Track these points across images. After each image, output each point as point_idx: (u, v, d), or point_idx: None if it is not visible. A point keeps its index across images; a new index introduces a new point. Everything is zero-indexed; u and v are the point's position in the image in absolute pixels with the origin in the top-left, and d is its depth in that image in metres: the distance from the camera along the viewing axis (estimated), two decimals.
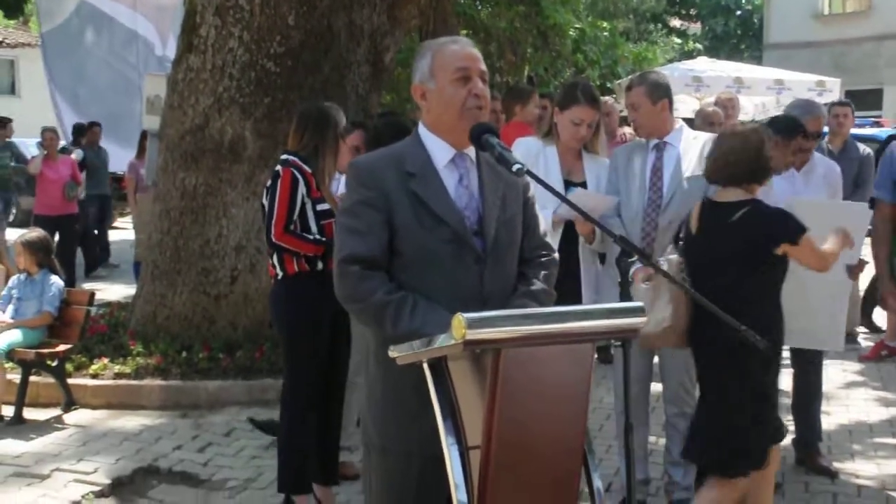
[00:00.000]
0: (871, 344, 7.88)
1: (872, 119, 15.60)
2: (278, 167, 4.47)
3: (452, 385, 2.38)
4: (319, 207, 4.47)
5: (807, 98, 5.63)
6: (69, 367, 6.40)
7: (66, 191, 10.00)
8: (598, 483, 2.49)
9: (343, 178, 4.58)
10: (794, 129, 4.64)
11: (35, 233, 6.55)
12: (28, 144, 18.23)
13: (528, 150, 4.41)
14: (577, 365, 2.38)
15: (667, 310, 3.68)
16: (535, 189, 2.87)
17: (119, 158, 12.90)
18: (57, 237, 9.83)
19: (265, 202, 4.46)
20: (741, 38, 31.93)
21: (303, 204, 4.42)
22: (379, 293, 2.56)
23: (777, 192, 4.55)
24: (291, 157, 4.49)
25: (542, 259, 2.84)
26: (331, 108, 4.68)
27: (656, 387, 4.66)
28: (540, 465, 2.36)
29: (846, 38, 23.22)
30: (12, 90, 29.93)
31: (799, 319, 4.09)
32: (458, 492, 2.28)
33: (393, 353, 2.46)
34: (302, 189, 4.41)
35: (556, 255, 2.90)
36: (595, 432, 5.13)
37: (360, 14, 7.27)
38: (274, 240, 4.37)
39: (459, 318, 2.18)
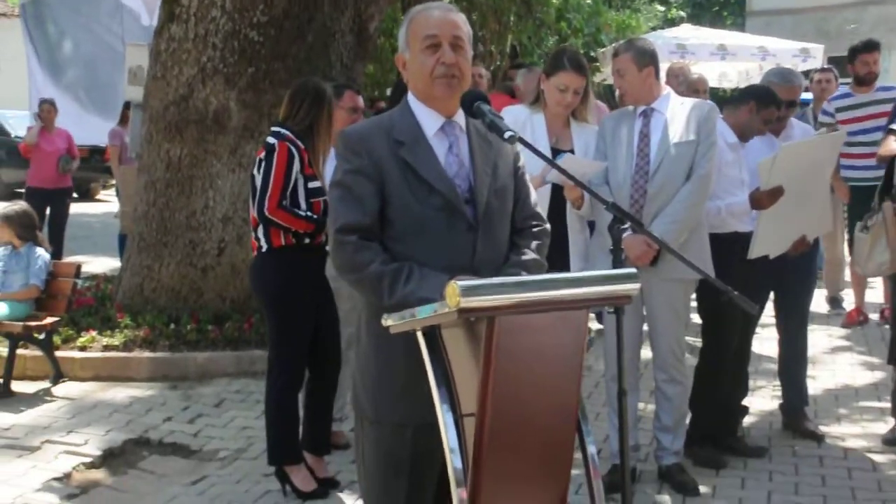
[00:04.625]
0: None
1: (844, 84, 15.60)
2: (272, 140, 4.42)
3: (446, 353, 2.38)
4: (310, 185, 4.45)
5: (786, 67, 5.64)
6: (57, 339, 6.38)
7: (60, 164, 9.91)
8: (591, 449, 2.50)
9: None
10: (768, 99, 4.67)
11: (16, 206, 6.49)
12: (8, 117, 18.08)
13: (516, 119, 4.41)
14: (571, 332, 2.39)
15: (885, 255, 4.42)
16: (524, 157, 2.87)
17: (102, 130, 12.79)
18: (48, 210, 9.77)
19: (256, 174, 4.43)
20: (723, 6, 31.79)
21: (295, 180, 4.39)
22: (375, 263, 2.55)
23: (756, 154, 4.61)
24: (285, 131, 4.44)
25: (534, 229, 2.83)
26: (326, 85, 4.65)
27: (645, 353, 4.69)
28: (534, 431, 2.37)
29: (829, 4, 23.14)
30: None
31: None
32: (453, 458, 2.29)
33: (387, 321, 2.45)
34: (296, 165, 4.38)
35: (548, 225, 2.90)
36: (584, 400, 5.17)
37: None
38: (267, 214, 4.34)
39: (454, 286, 2.18)
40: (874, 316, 7.81)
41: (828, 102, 7.47)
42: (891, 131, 5.25)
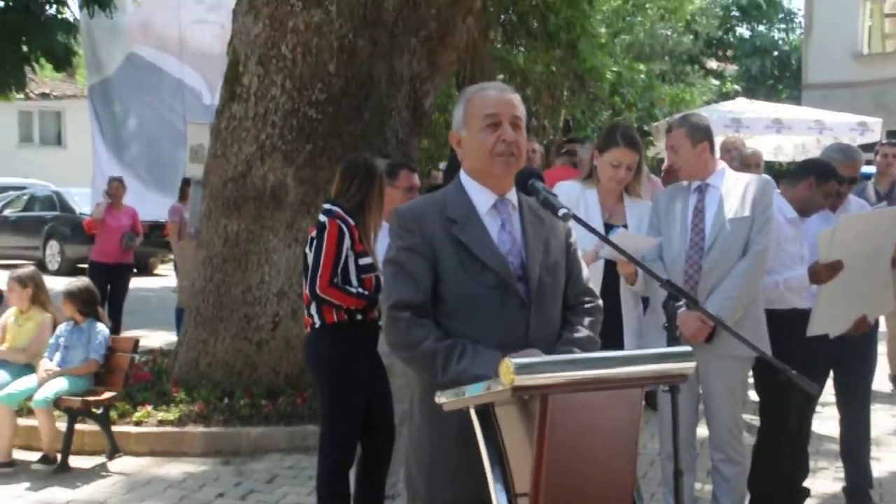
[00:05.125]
0: None
1: None
2: (323, 218, 4.47)
3: (500, 431, 2.36)
4: (361, 261, 4.48)
5: (846, 143, 5.62)
6: (113, 414, 6.44)
7: (124, 240, 10.12)
8: None
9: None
10: (828, 174, 4.64)
11: (79, 282, 6.63)
12: (73, 194, 18.60)
13: (569, 194, 4.41)
14: (625, 410, 2.36)
15: None
16: (577, 233, 2.87)
17: (162, 206, 13.07)
18: (109, 285, 9.93)
19: (308, 251, 4.48)
20: (779, 79, 31.79)
21: (346, 257, 4.44)
22: (429, 340, 2.56)
23: (814, 230, 4.56)
24: (336, 209, 4.50)
25: (587, 305, 2.83)
26: (377, 161, 4.71)
27: (701, 432, 4.60)
28: None
29: (886, 77, 23.03)
30: (59, 141, 30.61)
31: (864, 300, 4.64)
32: None
33: (440, 399, 2.45)
34: (347, 242, 4.42)
35: (600, 301, 2.89)
36: (639, 479, 5.06)
37: (400, 61, 7.35)
38: (319, 293, 4.37)
39: (508, 364, 2.17)
40: None
41: None
42: None
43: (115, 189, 10.38)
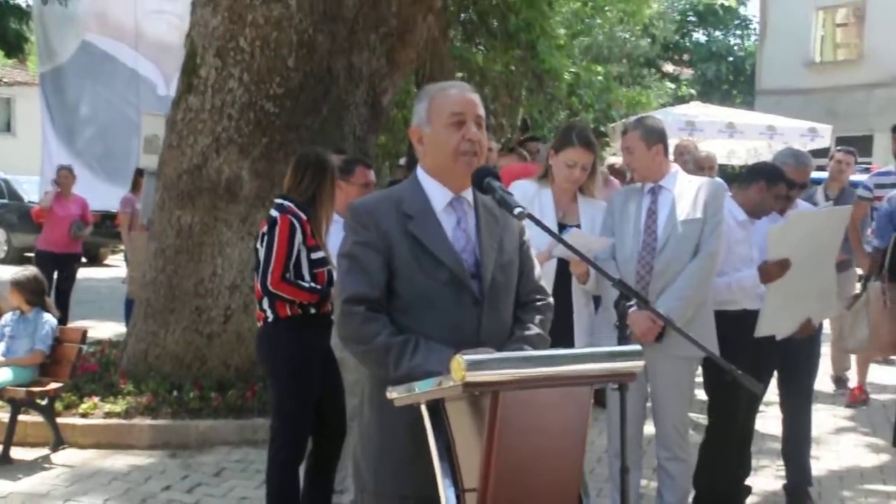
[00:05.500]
0: None
1: (863, 165, 15.74)
2: (274, 212, 4.45)
3: (450, 427, 2.38)
4: (314, 256, 4.47)
5: (797, 148, 5.72)
6: (58, 406, 6.36)
7: (73, 229, 9.96)
8: None
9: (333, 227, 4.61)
10: (777, 177, 4.73)
11: (26, 272, 6.52)
12: (22, 182, 18.30)
13: (525, 193, 4.44)
14: (574, 408, 2.39)
15: (865, 331, 4.66)
16: (531, 231, 2.90)
17: (114, 197, 12.91)
18: (56, 275, 9.78)
19: (259, 247, 4.46)
20: (733, 84, 32.23)
21: (298, 251, 4.42)
22: (382, 335, 2.57)
23: (762, 233, 4.64)
24: (287, 203, 4.48)
25: (538, 303, 2.85)
26: (328, 154, 4.70)
27: (648, 430, 4.66)
28: None
29: (837, 85, 23.46)
30: (8, 128, 30.12)
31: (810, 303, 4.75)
32: None
33: (391, 394, 2.46)
34: (298, 237, 4.40)
35: (551, 299, 2.91)
36: (586, 476, 5.11)
37: (360, 57, 7.34)
38: (271, 288, 4.35)
39: (459, 360, 2.19)
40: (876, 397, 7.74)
41: (870, 177, 7.56)
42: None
43: (63, 178, 10.22)
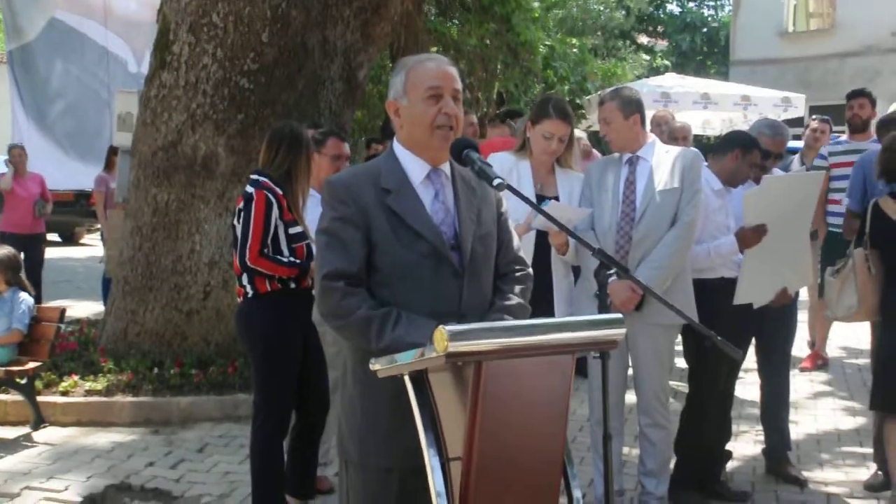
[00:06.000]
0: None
1: (837, 134, 15.85)
2: (250, 189, 4.43)
3: (433, 397, 2.40)
4: (292, 230, 4.47)
5: (771, 117, 5.74)
6: (38, 384, 6.34)
7: (36, 208, 9.82)
8: (577, 493, 2.52)
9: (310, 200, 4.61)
10: (751, 144, 4.77)
11: (3, 250, 6.48)
12: None
13: (502, 165, 4.45)
14: (557, 377, 2.41)
15: (853, 298, 4.65)
16: (509, 203, 2.91)
17: (88, 175, 12.78)
18: (22, 255, 9.66)
19: (236, 223, 4.44)
20: (707, 55, 32.24)
21: (275, 227, 4.42)
22: (362, 309, 2.57)
23: (739, 201, 4.69)
24: (263, 179, 4.46)
25: (517, 273, 2.86)
26: (303, 128, 4.68)
27: (629, 398, 4.71)
28: (520, 475, 2.38)
29: (810, 55, 23.51)
30: None
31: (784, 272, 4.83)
32: (440, 502, 2.29)
33: (374, 366, 2.47)
34: (275, 212, 4.40)
35: (531, 269, 2.93)
36: (569, 444, 5.17)
37: (334, 31, 7.30)
38: (249, 263, 4.35)
39: (442, 331, 2.20)
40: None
41: (824, 147, 7.64)
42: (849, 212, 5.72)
43: (17, 156, 10.01)
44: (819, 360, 7.89)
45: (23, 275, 6.51)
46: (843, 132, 7.76)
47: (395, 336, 2.52)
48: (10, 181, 9.87)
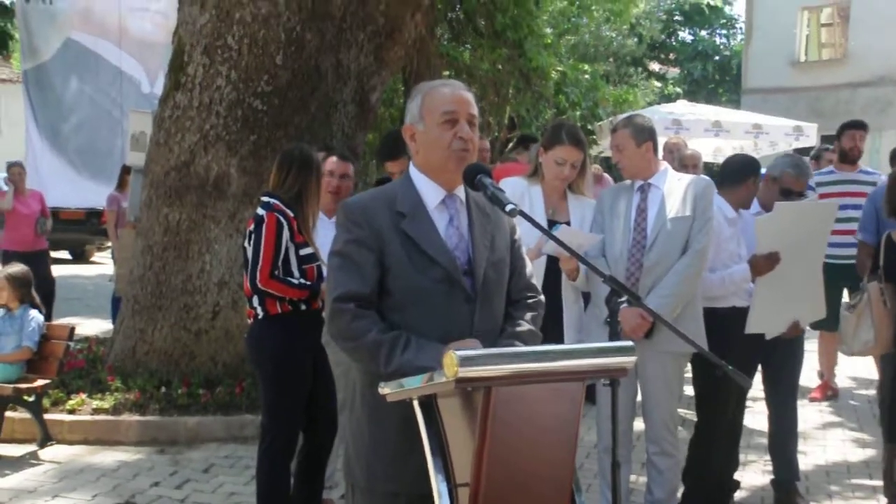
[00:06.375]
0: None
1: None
2: (261, 210, 4.45)
3: (442, 422, 2.39)
4: (302, 252, 4.48)
5: (797, 156, 5.62)
6: (46, 402, 6.34)
7: (38, 226, 9.80)
8: None
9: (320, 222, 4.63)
10: (759, 169, 4.83)
11: (17, 267, 6.51)
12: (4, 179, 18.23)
13: (514, 190, 4.45)
14: (566, 404, 2.40)
15: (870, 333, 4.64)
16: (521, 228, 2.91)
17: (99, 194, 12.82)
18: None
19: (247, 245, 4.46)
20: (719, 83, 32.34)
21: (286, 248, 4.43)
22: (373, 332, 2.58)
23: (750, 225, 4.71)
24: (274, 201, 4.48)
25: (529, 300, 2.86)
26: (313, 150, 4.70)
27: (637, 425, 4.68)
28: (529, 502, 2.36)
29: (822, 84, 23.58)
30: None
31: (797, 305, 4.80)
32: None
33: (384, 389, 2.47)
34: (286, 234, 4.41)
35: (542, 296, 2.93)
36: (577, 471, 5.14)
37: (348, 55, 7.34)
38: (260, 285, 4.36)
39: (452, 356, 2.19)
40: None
41: (813, 177, 7.61)
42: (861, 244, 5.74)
43: (16, 175, 9.95)
44: (828, 391, 7.85)
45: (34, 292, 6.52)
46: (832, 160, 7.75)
47: (404, 360, 2.52)
48: (10, 201, 9.83)
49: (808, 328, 5.26)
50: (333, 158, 4.98)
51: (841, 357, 7.83)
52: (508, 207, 2.54)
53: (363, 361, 2.66)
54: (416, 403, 2.39)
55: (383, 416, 2.61)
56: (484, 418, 2.27)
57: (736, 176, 4.82)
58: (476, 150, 2.75)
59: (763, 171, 5.05)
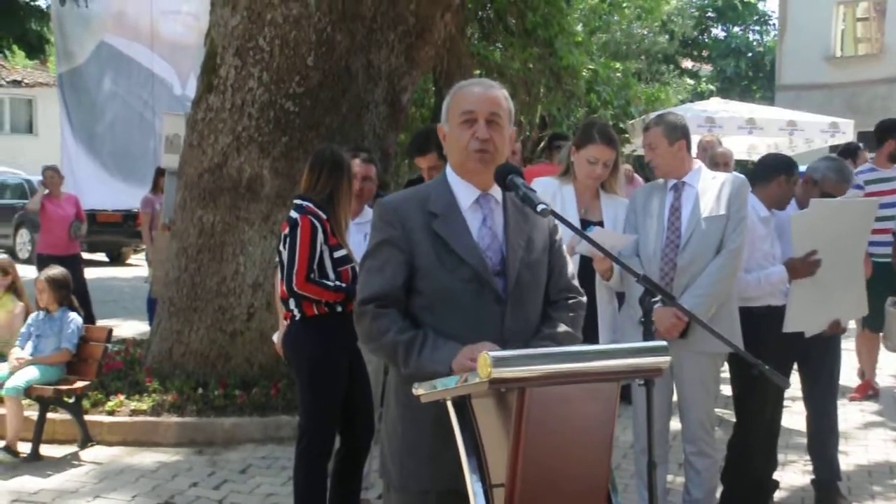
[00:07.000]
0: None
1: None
2: (294, 214, 4.46)
3: (476, 423, 2.39)
4: (336, 255, 4.49)
5: (839, 161, 5.47)
6: (85, 403, 6.42)
7: (72, 229, 9.87)
8: None
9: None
10: (792, 166, 4.78)
11: (56, 270, 6.59)
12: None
13: (546, 190, 4.44)
14: (601, 404, 2.39)
15: None
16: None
17: (131, 196, 12.93)
18: None
19: (282, 249, 4.47)
20: (752, 80, 32.06)
21: (321, 251, 4.44)
22: (391, 332, 2.60)
23: (784, 222, 4.67)
24: (307, 203, 4.48)
25: (569, 301, 2.84)
26: (344, 152, 4.72)
27: (674, 425, 4.65)
28: (564, 502, 2.36)
29: (858, 80, 23.30)
30: (30, 129, 30.35)
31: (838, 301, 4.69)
32: None
33: (418, 391, 2.48)
34: (320, 237, 4.43)
35: (584, 297, 2.90)
36: (613, 471, 5.12)
37: (378, 55, 7.36)
38: (296, 289, 4.37)
39: (486, 357, 2.20)
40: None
41: (856, 175, 7.51)
42: None
43: (50, 178, 10.05)
44: (869, 390, 7.74)
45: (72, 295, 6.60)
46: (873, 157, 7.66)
47: (419, 362, 2.53)
48: (38, 202, 9.93)
49: (851, 325, 5.20)
50: (357, 160, 4.98)
51: (882, 355, 7.75)
52: (540, 207, 2.53)
53: (387, 361, 2.71)
54: (449, 404, 2.40)
55: (416, 414, 2.62)
56: (518, 419, 2.27)
57: (765, 173, 4.77)
58: (500, 150, 2.71)
59: (802, 168, 4.99)
